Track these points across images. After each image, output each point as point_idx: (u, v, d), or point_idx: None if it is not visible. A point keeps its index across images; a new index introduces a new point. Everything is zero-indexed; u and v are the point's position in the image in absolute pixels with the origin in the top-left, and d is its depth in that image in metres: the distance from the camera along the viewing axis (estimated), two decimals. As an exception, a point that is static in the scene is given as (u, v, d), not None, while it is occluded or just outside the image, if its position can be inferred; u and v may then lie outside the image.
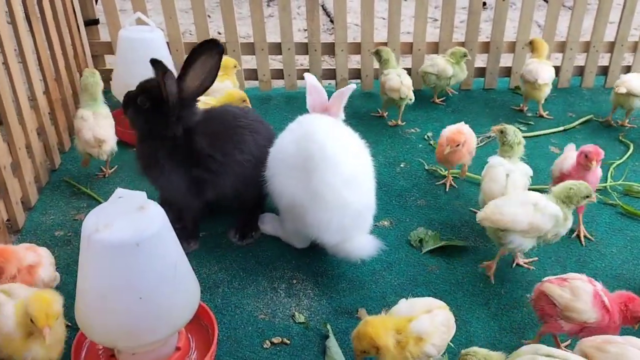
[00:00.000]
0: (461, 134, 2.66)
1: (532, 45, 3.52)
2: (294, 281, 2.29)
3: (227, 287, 2.25)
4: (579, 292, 1.84)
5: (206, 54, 2.14)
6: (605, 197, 2.78)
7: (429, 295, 2.20)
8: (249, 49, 3.62)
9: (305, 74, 2.48)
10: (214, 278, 2.30)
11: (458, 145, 2.63)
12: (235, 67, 3.20)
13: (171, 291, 1.66)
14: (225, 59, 2.92)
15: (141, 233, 1.56)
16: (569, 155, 2.52)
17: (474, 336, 2.07)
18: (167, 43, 3.43)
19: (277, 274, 2.32)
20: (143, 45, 2.94)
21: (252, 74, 3.71)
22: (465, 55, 3.51)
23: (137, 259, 1.57)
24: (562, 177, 2.44)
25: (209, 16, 4.05)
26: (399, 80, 3.23)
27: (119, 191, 1.62)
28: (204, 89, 2.22)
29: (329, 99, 2.41)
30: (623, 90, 3.20)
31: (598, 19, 3.67)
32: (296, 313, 2.14)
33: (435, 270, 2.36)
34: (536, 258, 2.40)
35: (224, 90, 2.99)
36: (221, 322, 2.09)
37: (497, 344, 2.04)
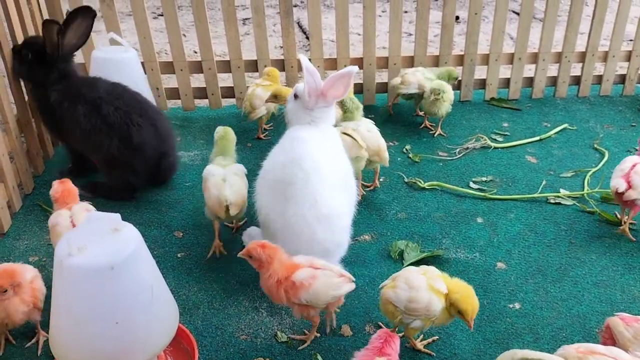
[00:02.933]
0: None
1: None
2: (276, 299, 2.26)
3: (208, 308, 2.21)
4: None
5: (81, 17, 2.61)
6: (583, 204, 2.81)
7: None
8: (225, 66, 3.62)
9: (300, 56, 2.38)
10: (193, 299, 2.25)
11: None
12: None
13: (148, 314, 1.61)
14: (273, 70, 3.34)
15: (116, 256, 1.52)
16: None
17: (458, 348, 2.05)
18: (142, 63, 3.41)
19: (259, 293, 2.28)
20: (117, 66, 2.92)
21: (229, 92, 3.70)
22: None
23: (112, 283, 1.53)
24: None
25: (184, 35, 4.04)
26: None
27: (92, 214, 1.58)
28: (78, 46, 2.72)
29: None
30: None
31: (569, 29, 3.74)
32: (278, 332, 2.11)
33: (418, 283, 2.34)
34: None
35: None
36: (202, 345, 2.05)
37: (482, 355, 2.02)
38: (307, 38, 4.92)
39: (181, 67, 3.55)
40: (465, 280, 2.33)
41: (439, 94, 3.29)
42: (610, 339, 1.83)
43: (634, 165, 2.51)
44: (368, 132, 2.77)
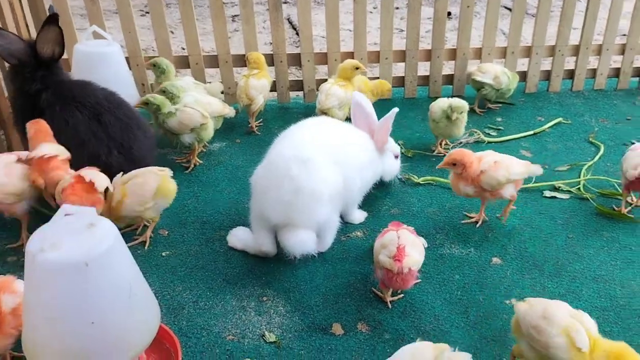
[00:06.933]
0: None
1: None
2: (264, 298, 2.17)
3: (193, 308, 2.12)
4: None
5: (47, 25, 2.45)
6: (581, 192, 2.75)
7: (405, 305, 2.11)
8: (213, 61, 3.54)
9: (354, 93, 2.62)
10: (178, 299, 2.16)
11: None
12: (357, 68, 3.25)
13: (126, 314, 1.53)
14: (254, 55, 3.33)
15: (91, 252, 1.43)
16: None
17: (454, 346, 1.96)
18: (127, 58, 3.33)
19: (246, 292, 2.20)
20: (100, 60, 2.83)
21: (216, 88, 3.62)
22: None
23: (87, 280, 1.44)
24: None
25: (172, 32, 3.96)
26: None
27: (66, 207, 1.50)
28: (57, 54, 2.52)
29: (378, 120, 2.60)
30: None
31: (562, 23, 3.69)
32: (266, 332, 2.02)
33: (411, 280, 2.27)
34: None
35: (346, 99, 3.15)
36: (186, 346, 1.96)
37: (479, 353, 1.95)
38: (297, 34, 4.85)
39: (167, 63, 3.47)
40: (460, 275, 2.28)
41: (461, 112, 2.97)
42: None
43: None
44: (208, 104, 2.97)
